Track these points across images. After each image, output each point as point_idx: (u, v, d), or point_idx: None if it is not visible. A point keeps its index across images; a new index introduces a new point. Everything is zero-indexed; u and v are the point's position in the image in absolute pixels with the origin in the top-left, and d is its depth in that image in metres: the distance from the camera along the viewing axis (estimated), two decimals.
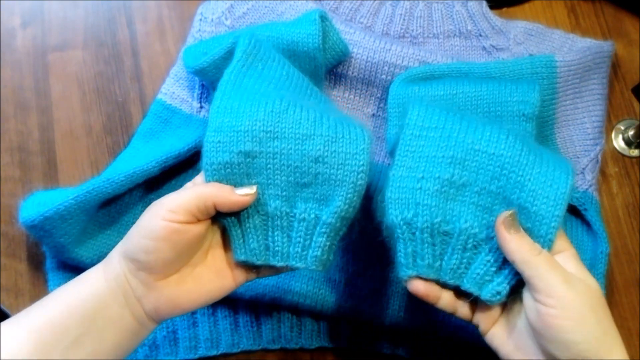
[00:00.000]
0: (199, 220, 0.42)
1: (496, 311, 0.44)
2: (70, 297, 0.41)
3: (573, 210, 0.58)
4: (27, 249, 0.58)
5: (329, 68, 0.58)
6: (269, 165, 0.43)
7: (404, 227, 0.44)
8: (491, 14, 0.63)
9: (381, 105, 0.60)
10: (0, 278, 0.57)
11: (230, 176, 0.43)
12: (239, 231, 0.44)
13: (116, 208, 0.55)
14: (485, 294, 0.43)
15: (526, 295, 0.42)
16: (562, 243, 0.43)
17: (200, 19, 0.62)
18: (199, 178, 0.45)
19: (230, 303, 0.56)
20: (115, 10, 0.65)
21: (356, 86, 0.60)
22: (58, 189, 0.52)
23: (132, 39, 0.64)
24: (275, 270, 0.45)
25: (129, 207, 0.56)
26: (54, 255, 0.55)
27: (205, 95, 0.60)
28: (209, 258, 0.45)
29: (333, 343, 0.57)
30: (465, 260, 0.44)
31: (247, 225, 0.44)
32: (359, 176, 0.43)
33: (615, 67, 0.64)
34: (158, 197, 0.43)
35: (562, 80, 0.59)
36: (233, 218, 0.44)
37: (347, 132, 0.43)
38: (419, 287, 0.44)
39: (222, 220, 0.44)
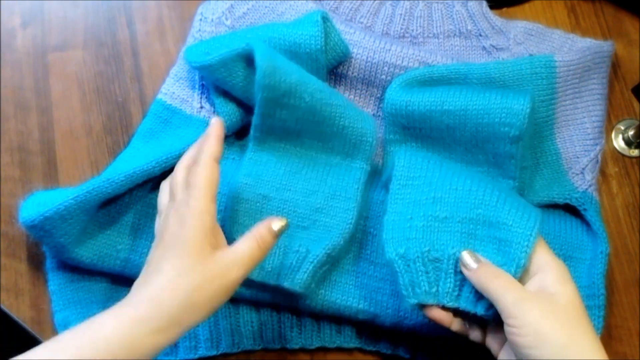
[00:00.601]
0: None
1: (503, 334, 0.45)
2: None
3: (573, 210, 0.58)
4: (27, 249, 0.58)
5: (329, 69, 0.58)
6: (279, 209, 0.54)
7: (399, 261, 0.49)
8: (491, 14, 0.63)
9: (381, 105, 0.60)
10: (0, 278, 0.57)
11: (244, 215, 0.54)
12: None
13: (116, 208, 0.55)
14: (480, 310, 0.47)
15: None
16: (542, 257, 0.46)
17: (200, 19, 0.62)
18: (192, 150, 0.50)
19: (231, 303, 0.56)
20: (115, 10, 0.65)
21: (356, 86, 0.60)
22: (58, 189, 0.52)
23: (132, 39, 0.64)
24: (263, 287, 0.53)
25: (129, 207, 0.56)
26: (54, 255, 0.55)
27: (205, 96, 0.60)
28: None
29: (333, 343, 0.57)
30: (458, 283, 0.48)
31: None
32: (347, 227, 0.53)
33: (615, 67, 0.64)
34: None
35: (562, 80, 0.59)
36: None
37: (345, 191, 0.54)
38: (432, 313, 0.49)
39: None
